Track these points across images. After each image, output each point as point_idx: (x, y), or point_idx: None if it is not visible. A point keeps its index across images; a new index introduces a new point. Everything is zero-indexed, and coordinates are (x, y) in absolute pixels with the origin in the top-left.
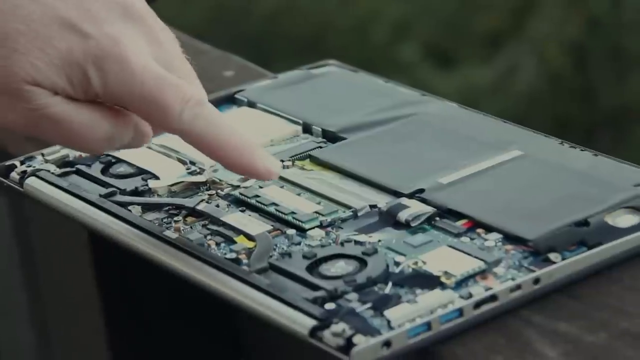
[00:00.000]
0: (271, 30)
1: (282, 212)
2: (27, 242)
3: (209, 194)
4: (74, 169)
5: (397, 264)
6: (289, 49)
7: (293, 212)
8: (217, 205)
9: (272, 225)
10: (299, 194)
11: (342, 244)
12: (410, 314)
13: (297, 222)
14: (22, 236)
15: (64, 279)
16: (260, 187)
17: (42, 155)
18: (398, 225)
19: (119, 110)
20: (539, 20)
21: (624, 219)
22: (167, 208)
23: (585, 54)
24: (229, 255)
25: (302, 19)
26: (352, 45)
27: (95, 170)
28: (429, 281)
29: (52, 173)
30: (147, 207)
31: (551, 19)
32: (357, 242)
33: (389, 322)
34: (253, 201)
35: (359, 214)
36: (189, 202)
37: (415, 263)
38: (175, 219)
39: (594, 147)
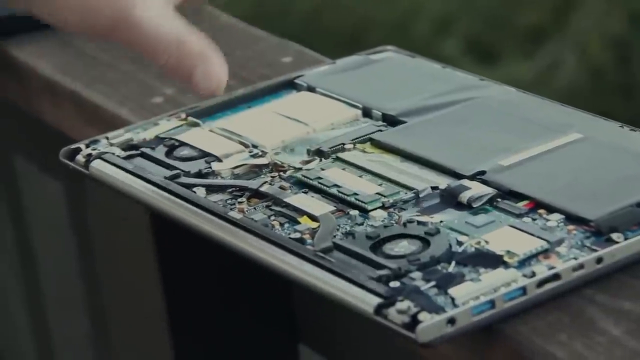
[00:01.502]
0: (312, 26)
1: (344, 194)
2: (85, 229)
3: (271, 176)
4: (138, 152)
5: (459, 243)
6: (330, 45)
7: (355, 194)
8: (280, 187)
9: (335, 206)
10: (360, 176)
11: (404, 224)
12: (474, 292)
13: (360, 202)
14: (79, 222)
15: (124, 264)
16: (322, 170)
17: (107, 138)
18: (460, 206)
19: None
20: (580, 16)
21: None
22: (230, 190)
23: (628, 49)
24: (293, 235)
25: (343, 14)
26: (393, 41)
27: (160, 153)
28: (492, 260)
29: (118, 156)
30: (211, 189)
31: (593, 14)
32: (419, 223)
33: (453, 300)
34: (315, 183)
35: (421, 195)
36: (252, 183)
37: (478, 243)
38: (239, 200)
39: None
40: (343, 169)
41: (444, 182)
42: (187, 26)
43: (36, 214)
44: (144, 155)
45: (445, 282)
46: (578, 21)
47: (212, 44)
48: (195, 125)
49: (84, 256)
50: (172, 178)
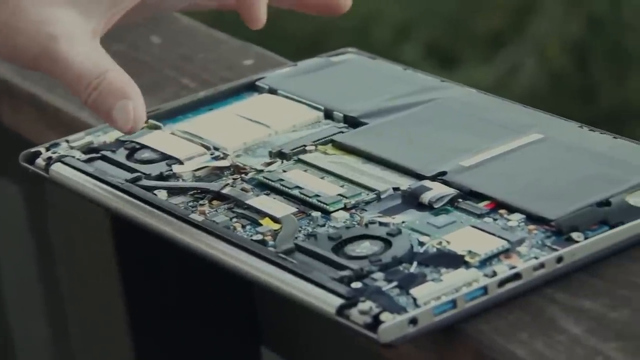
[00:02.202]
0: (273, 31)
1: (306, 195)
2: (45, 232)
3: (233, 179)
4: (99, 155)
5: (421, 244)
6: (291, 50)
7: (317, 195)
8: (242, 189)
9: (297, 208)
10: (322, 178)
11: (366, 225)
12: (436, 292)
13: (322, 204)
14: (39, 226)
15: (84, 267)
16: (284, 171)
17: (67, 141)
18: (421, 206)
19: None
20: (540, 20)
21: None
22: (192, 192)
23: (586, 53)
24: (255, 237)
25: (304, 19)
26: (354, 46)
27: (120, 156)
28: (453, 260)
29: (78, 159)
30: (172, 192)
31: (552, 18)
32: (381, 224)
33: (414, 300)
34: (277, 184)
35: (382, 196)
36: (213, 186)
37: (440, 243)
38: (201, 202)
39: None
40: (305, 171)
41: (405, 183)
42: (110, 62)
43: None
44: (104, 158)
45: (406, 283)
46: (537, 25)
47: (134, 82)
48: (157, 128)
49: (44, 259)
50: (133, 181)
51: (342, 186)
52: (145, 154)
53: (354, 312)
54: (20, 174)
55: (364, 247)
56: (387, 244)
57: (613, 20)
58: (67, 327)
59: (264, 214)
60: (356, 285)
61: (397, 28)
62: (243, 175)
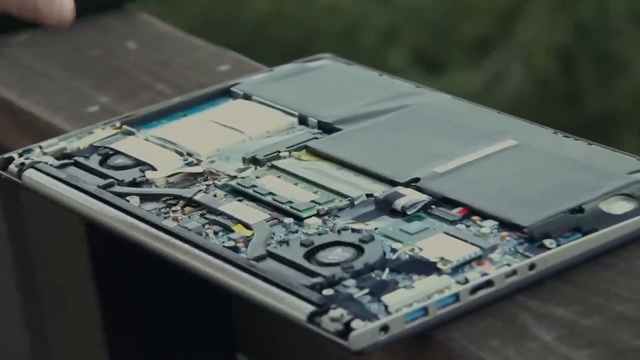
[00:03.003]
0: (259, 36)
1: (279, 202)
2: (21, 239)
3: (206, 185)
4: (72, 160)
5: (393, 250)
6: (277, 55)
7: (290, 201)
8: (215, 195)
9: (270, 214)
10: (295, 184)
11: (339, 231)
12: (407, 299)
13: (294, 210)
14: (16, 232)
15: (61, 274)
16: (257, 177)
17: (40, 147)
18: (394, 213)
19: None
20: (526, 25)
21: (618, 206)
22: (165, 198)
23: (572, 59)
24: (227, 244)
25: (290, 25)
26: (340, 51)
27: (93, 162)
28: (425, 267)
29: (51, 165)
30: (145, 198)
31: (538, 24)
32: (354, 230)
33: (386, 307)
34: (250, 191)
35: (356, 202)
36: (186, 192)
37: (412, 250)
38: (173, 208)
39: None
40: (278, 177)
41: (379, 189)
42: None
43: None
44: (77, 164)
45: (378, 290)
46: (523, 31)
47: None
48: (130, 133)
49: (21, 266)
50: (106, 187)
51: (315, 192)
52: (119, 160)
53: (325, 319)
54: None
55: (336, 254)
56: (360, 250)
57: (599, 26)
58: (46, 334)
59: (237, 221)
60: (328, 292)
61: (384, 33)
62: (216, 181)
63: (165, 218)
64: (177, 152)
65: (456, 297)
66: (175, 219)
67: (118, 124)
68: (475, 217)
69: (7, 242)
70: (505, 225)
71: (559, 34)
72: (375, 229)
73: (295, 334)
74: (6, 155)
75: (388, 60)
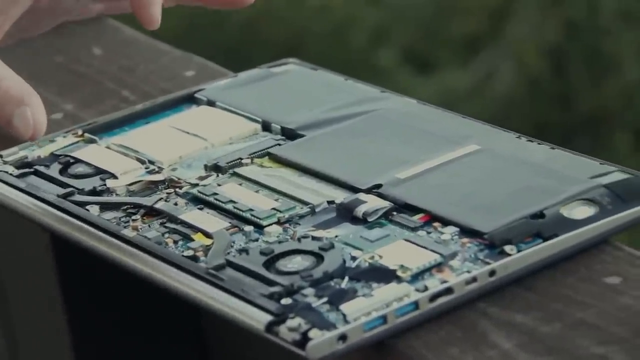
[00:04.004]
0: (249, 37)
1: (240, 210)
2: None
3: (167, 193)
4: (32, 169)
5: (353, 258)
6: (267, 56)
7: (251, 209)
8: (176, 204)
9: (230, 223)
10: (257, 191)
11: (299, 239)
12: (366, 307)
13: (255, 218)
14: None
15: (28, 281)
16: (219, 185)
17: (1, 156)
18: (355, 220)
19: None
20: (516, 24)
21: (580, 211)
22: (125, 207)
23: (563, 58)
24: (186, 253)
25: (279, 26)
26: (330, 51)
27: (54, 170)
28: (385, 275)
29: (10, 174)
30: (105, 207)
31: (529, 23)
32: (314, 238)
33: (344, 316)
34: (211, 199)
35: (317, 210)
36: (146, 200)
37: (372, 257)
38: (134, 217)
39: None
40: (240, 184)
41: (340, 196)
42: (6, 69)
43: None
44: (37, 173)
45: (337, 298)
46: (513, 30)
47: (31, 89)
48: (92, 141)
49: None
50: (66, 196)
51: (276, 200)
52: (79, 169)
53: (282, 329)
54: None
55: (296, 262)
56: (319, 258)
57: (590, 25)
58: (17, 341)
59: (197, 229)
60: (286, 301)
61: (374, 33)
62: (177, 189)
63: (125, 227)
64: (138, 160)
65: (415, 305)
66: (135, 228)
67: (80, 132)
68: (436, 224)
69: None
70: (466, 231)
71: (549, 32)
72: (336, 236)
73: (266, 343)
74: None
75: (378, 60)
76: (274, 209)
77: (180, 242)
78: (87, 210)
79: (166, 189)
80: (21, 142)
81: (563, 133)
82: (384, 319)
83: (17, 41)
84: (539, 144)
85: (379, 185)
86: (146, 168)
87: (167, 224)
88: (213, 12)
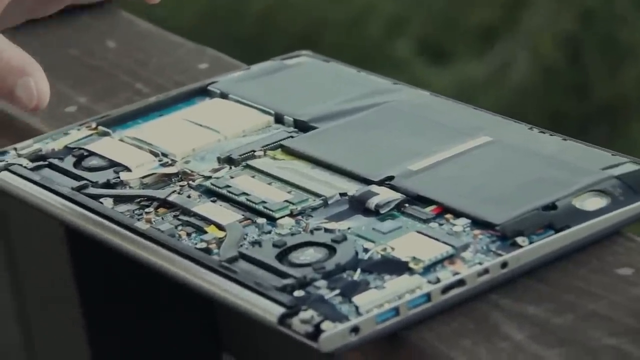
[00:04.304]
0: (265, 28)
1: (252, 202)
2: (8, 239)
3: (180, 185)
4: (46, 162)
5: (365, 250)
6: (283, 47)
7: (263, 202)
8: (189, 196)
9: (243, 215)
10: (270, 184)
11: (311, 232)
12: (378, 299)
13: (268, 211)
14: (2, 233)
15: (43, 274)
16: (232, 177)
17: (15, 149)
18: (367, 212)
19: None
20: (532, 14)
21: (591, 202)
22: (138, 200)
23: (579, 48)
24: (199, 245)
25: (296, 16)
26: (346, 42)
27: (68, 163)
28: (397, 267)
29: (25, 167)
30: (118, 199)
31: (544, 13)
32: (326, 230)
33: (357, 308)
34: (224, 191)
35: (329, 202)
36: (160, 193)
37: (384, 249)
38: (147, 210)
39: (589, 141)
40: (252, 177)
41: (353, 188)
42: (6, 42)
43: None
44: (51, 166)
45: (349, 290)
46: (529, 20)
47: (33, 59)
48: (106, 134)
49: (9, 266)
50: (80, 189)
51: (289, 192)
52: (93, 161)
53: (295, 321)
54: None
55: (308, 255)
56: (332, 250)
57: (606, 13)
58: (32, 334)
59: (210, 222)
60: (299, 293)
61: (390, 23)
62: (191, 181)
63: (138, 220)
64: (152, 152)
65: (427, 297)
66: (149, 221)
67: (94, 125)
68: (448, 215)
69: None
70: (477, 223)
71: (565, 22)
72: (348, 228)
73: (278, 332)
74: None
75: (394, 51)
76: (286, 201)
77: (194, 235)
78: (101, 202)
79: (179, 181)
80: (35, 134)
81: (579, 123)
82: (396, 310)
83: (25, 22)
84: (550, 135)
85: (391, 177)
86: (159, 161)
87: (181, 217)
88: (230, 4)
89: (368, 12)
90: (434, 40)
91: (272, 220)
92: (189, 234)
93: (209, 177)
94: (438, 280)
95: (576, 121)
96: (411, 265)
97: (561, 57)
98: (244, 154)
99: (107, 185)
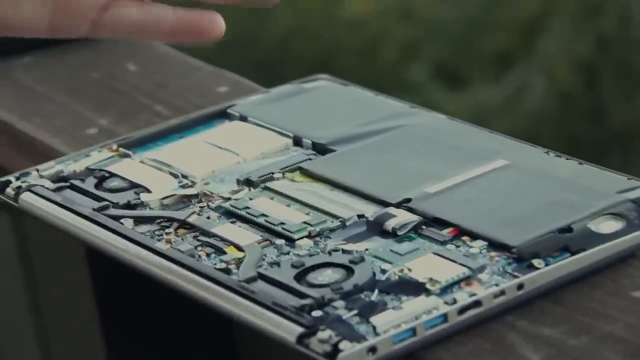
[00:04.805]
0: (282, 53)
1: (271, 223)
2: (29, 259)
3: (200, 207)
4: (68, 183)
5: (383, 271)
6: (299, 71)
7: (282, 223)
8: (208, 217)
9: (262, 236)
10: (288, 205)
11: (329, 252)
12: (396, 320)
13: (286, 232)
14: (24, 253)
15: (63, 294)
16: (251, 199)
17: (37, 170)
18: (385, 234)
19: None
20: (547, 39)
21: (607, 225)
22: (158, 220)
23: (595, 73)
24: (219, 266)
25: (312, 41)
26: (362, 66)
27: (89, 184)
28: (414, 288)
29: (47, 188)
30: (139, 220)
31: (560, 38)
32: (344, 251)
33: (374, 328)
34: (243, 212)
35: (347, 223)
36: (180, 214)
37: (401, 270)
38: (167, 231)
39: (606, 166)
40: (271, 198)
41: (370, 210)
42: None
43: None
44: (73, 187)
45: (367, 311)
46: (545, 45)
47: None
48: (126, 156)
49: (30, 287)
50: (100, 210)
51: (307, 214)
52: (114, 183)
53: (313, 341)
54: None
55: (326, 275)
56: (350, 271)
57: (621, 39)
58: (50, 350)
59: (229, 243)
60: (317, 313)
61: (405, 48)
62: (210, 203)
63: (158, 240)
64: (172, 174)
65: (444, 317)
66: (169, 241)
67: (114, 147)
68: (465, 237)
69: (18, 265)
70: (494, 245)
71: (581, 47)
72: (366, 249)
73: (296, 354)
74: (3, 179)
75: (410, 75)
76: (305, 222)
77: (213, 255)
78: (122, 223)
79: (199, 203)
80: (57, 156)
81: (595, 148)
82: (413, 331)
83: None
84: (567, 159)
85: (409, 200)
86: (179, 182)
87: (200, 237)
88: (249, 27)
89: (383, 37)
90: (449, 65)
91: (290, 241)
92: (208, 255)
93: (228, 199)
94: (455, 301)
95: (591, 146)
96: (428, 286)
97: (576, 83)
98: (263, 176)
99: (128, 206)
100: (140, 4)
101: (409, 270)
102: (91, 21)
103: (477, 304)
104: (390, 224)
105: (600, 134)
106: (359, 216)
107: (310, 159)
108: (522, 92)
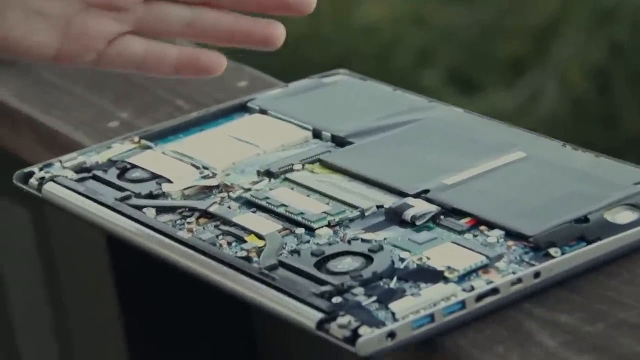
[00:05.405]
0: (295, 58)
1: (291, 213)
2: (49, 251)
3: (221, 197)
4: (90, 174)
5: (402, 259)
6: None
7: (302, 213)
8: (229, 207)
9: (282, 225)
10: (308, 196)
11: (349, 241)
12: (414, 306)
13: (306, 221)
14: (44, 245)
15: (84, 285)
16: (271, 190)
17: (60, 162)
18: (403, 223)
19: None
20: (561, 45)
21: (623, 216)
22: (180, 210)
23: (608, 79)
24: (240, 254)
25: (325, 46)
26: (375, 72)
27: (111, 175)
28: (432, 275)
29: (70, 178)
30: (161, 210)
31: (573, 44)
32: (363, 240)
33: (393, 314)
34: (263, 203)
35: (366, 213)
36: (201, 204)
37: (420, 259)
38: (188, 220)
39: None
40: (291, 189)
41: (389, 200)
42: None
43: (3, 239)
44: (95, 178)
45: (386, 297)
46: (558, 51)
47: None
48: (148, 148)
49: (50, 279)
50: (123, 199)
51: (327, 204)
52: (136, 174)
53: (333, 326)
54: (28, 196)
55: (346, 263)
56: (369, 259)
57: (634, 45)
58: (73, 346)
59: (250, 232)
60: (336, 300)
61: (418, 54)
62: (231, 193)
63: (180, 229)
64: (193, 165)
65: (462, 304)
66: (190, 230)
67: (136, 139)
68: (482, 227)
69: (37, 256)
70: (511, 234)
71: (594, 53)
72: (385, 238)
73: (315, 344)
74: (27, 170)
75: (423, 80)
76: (324, 212)
77: (234, 244)
78: (144, 213)
79: (220, 193)
80: (78, 148)
81: (608, 154)
82: (431, 317)
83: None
84: (583, 151)
85: (427, 191)
86: (200, 173)
87: (221, 227)
88: None
89: (397, 43)
90: (463, 71)
91: (310, 230)
92: (229, 243)
93: (249, 189)
94: (472, 289)
95: (605, 152)
96: (446, 274)
97: (590, 88)
98: (283, 167)
99: (150, 196)
100: (146, 40)
101: (427, 258)
102: (97, 52)
103: (494, 291)
104: (409, 214)
105: (613, 140)
106: (378, 206)
107: (329, 151)
108: (535, 98)
